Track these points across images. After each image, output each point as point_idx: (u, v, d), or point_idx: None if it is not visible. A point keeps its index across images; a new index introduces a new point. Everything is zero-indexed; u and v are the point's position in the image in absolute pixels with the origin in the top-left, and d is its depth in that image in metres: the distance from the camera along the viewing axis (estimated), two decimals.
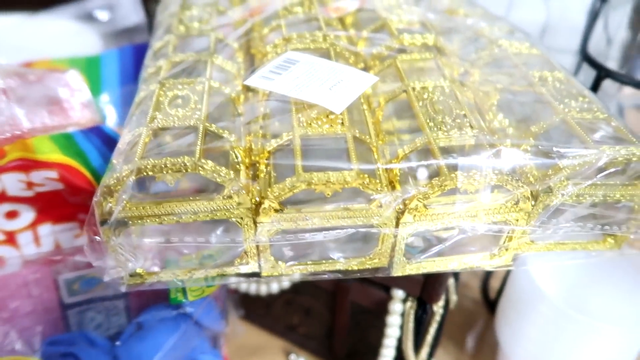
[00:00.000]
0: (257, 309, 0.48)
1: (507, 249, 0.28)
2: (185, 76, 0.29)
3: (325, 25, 0.34)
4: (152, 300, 0.33)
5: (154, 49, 0.34)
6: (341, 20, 0.38)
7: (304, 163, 0.23)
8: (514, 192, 0.25)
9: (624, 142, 0.26)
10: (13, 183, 0.28)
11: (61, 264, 0.30)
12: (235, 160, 0.25)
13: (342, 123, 0.26)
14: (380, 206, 0.24)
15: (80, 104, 0.34)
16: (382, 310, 0.39)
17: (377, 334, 0.40)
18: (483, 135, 0.26)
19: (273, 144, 0.25)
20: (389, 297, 0.39)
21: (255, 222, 0.24)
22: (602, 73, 0.37)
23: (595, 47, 0.49)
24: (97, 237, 0.23)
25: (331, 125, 0.26)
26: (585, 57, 0.38)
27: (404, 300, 0.38)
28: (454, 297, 0.43)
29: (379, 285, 0.38)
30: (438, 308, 0.38)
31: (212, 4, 0.38)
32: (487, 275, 0.51)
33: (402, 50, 0.33)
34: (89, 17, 0.48)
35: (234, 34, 0.35)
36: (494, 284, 0.51)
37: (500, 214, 0.26)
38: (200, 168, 0.22)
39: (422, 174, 0.27)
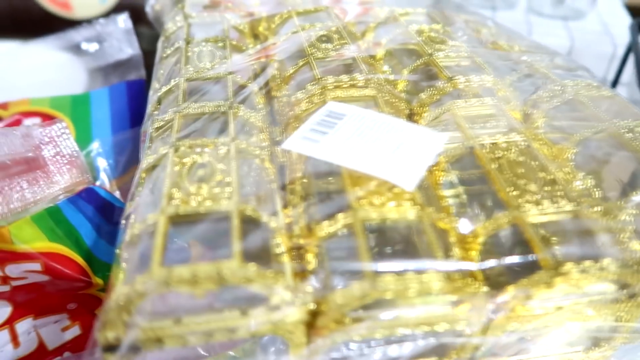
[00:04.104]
0: None
1: (610, 345, 0.23)
2: (203, 134, 0.23)
3: (364, 65, 0.29)
4: None
5: (159, 95, 0.28)
6: (371, 55, 0.33)
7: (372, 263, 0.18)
8: (634, 285, 0.20)
9: None
10: None
11: None
12: (278, 251, 0.19)
13: (413, 201, 0.20)
14: (471, 310, 0.19)
15: (67, 163, 0.28)
16: None
17: None
18: (586, 210, 0.21)
19: (326, 228, 0.20)
20: None
21: (308, 336, 0.19)
22: None
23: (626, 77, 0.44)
24: None
25: (398, 204, 0.20)
26: None
27: None
28: None
29: None
30: None
31: (222, 39, 0.33)
32: None
33: (456, 95, 0.28)
34: (75, 49, 0.42)
35: (252, 75, 0.29)
36: None
37: (611, 308, 0.21)
38: (243, 279, 0.17)
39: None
